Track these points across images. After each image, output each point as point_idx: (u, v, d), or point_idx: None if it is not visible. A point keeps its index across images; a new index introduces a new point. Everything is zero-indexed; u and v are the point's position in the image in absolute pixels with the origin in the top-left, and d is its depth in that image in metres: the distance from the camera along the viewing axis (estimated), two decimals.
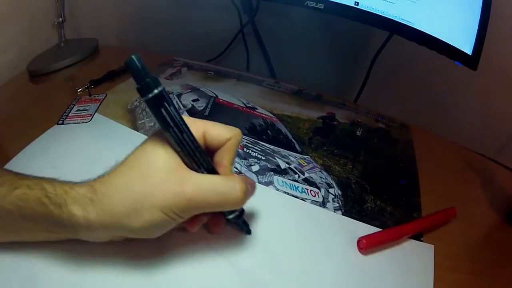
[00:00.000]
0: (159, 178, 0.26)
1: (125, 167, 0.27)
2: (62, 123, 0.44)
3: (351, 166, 0.44)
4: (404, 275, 0.35)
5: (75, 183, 0.27)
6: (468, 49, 0.43)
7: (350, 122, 0.53)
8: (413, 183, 0.45)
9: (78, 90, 0.51)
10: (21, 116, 0.46)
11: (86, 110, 0.47)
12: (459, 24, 0.44)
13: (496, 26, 0.43)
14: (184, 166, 0.27)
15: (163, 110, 0.25)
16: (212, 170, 0.28)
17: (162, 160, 0.26)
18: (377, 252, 0.36)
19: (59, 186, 0.26)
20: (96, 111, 0.47)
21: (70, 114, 0.46)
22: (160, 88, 0.25)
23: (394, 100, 0.71)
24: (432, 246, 0.38)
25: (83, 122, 0.44)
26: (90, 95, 0.50)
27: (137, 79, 0.24)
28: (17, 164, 0.37)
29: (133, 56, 0.24)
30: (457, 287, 0.36)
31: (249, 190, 0.29)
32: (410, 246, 0.38)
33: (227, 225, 0.33)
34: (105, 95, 0.50)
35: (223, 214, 0.31)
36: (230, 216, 0.31)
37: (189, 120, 0.27)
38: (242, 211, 0.32)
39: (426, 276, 0.36)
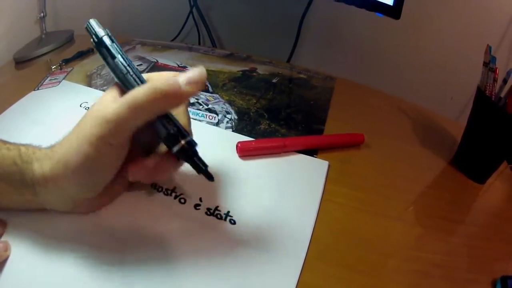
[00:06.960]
0: (94, 115, 0.27)
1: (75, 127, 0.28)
2: (38, 90, 0.58)
3: (255, 101, 0.54)
4: (289, 183, 0.40)
5: (44, 147, 0.30)
6: (389, 0, 0.47)
7: (269, 73, 0.63)
8: (321, 115, 0.52)
9: (53, 67, 0.65)
10: (7, 94, 0.58)
11: (56, 79, 0.60)
12: None
13: None
14: None
15: (103, 49, 0.29)
16: None
17: (101, 102, 0.28)
18: (261, 160, 0.43)
19: (31, 148, 0.29)
20: (63, 78, 0.60)
21: (44, 83, 0.60)
22: (101, 34, 0.29)
23: (327, 61, 0.81)
24: (327, 162, 0.44)
25: (53, 87, 0.58)
26: (61, 69, 0.64)
27: (90, 34, 0.30)
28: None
29: (90, 20, 0.29)
30: (346, 199, 0.40)
31: (181, 78, 0.27)
32: (299, 159, 0.43)
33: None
34: (72, 68, 0.64)
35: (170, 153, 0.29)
36: (175, 148, 0.28)
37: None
38: (190, 145, 0.28)
39: (315, 187, 0.40)
